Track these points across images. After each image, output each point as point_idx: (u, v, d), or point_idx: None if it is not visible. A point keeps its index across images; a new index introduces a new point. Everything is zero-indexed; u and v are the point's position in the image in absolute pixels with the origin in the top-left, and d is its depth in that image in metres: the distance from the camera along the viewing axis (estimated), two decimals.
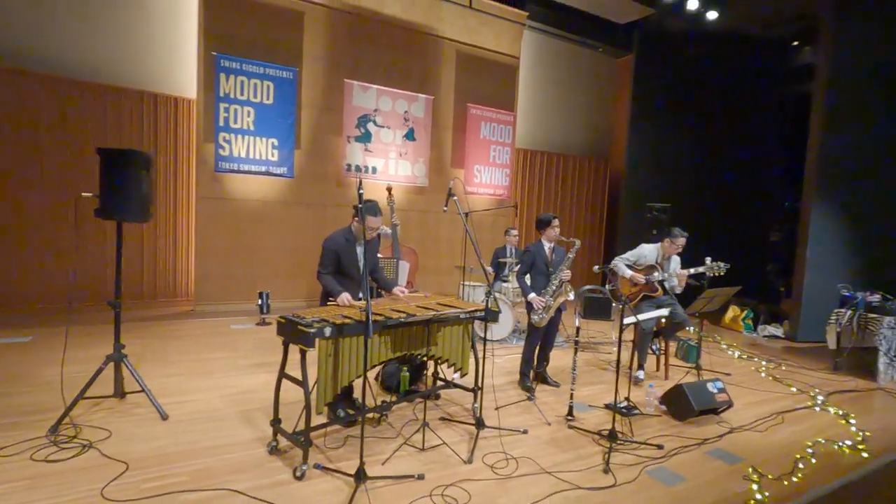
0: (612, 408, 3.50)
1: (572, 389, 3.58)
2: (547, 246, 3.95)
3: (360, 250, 3.32)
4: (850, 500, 2.78)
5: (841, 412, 4.03)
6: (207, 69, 6.20)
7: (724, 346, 6.15)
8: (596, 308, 7.02)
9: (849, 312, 5.20)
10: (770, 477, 2.89)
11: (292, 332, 2.64)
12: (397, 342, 2.96)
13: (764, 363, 5.44)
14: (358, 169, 7.18)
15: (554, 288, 3.81)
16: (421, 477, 2.64)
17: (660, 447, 3.17)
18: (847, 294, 5.29)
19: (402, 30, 7.46)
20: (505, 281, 5.84)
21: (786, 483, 2.85)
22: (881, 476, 3.06)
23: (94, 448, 2.76)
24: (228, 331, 5.55)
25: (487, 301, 3.16)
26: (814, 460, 3.14)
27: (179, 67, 6.58)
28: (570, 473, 2.80)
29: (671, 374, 4.70)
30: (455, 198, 3.24)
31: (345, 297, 3.08)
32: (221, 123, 6.28)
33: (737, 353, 5.83)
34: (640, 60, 8.73)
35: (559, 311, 3.99)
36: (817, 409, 4.12)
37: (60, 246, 5.93)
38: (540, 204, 9.57)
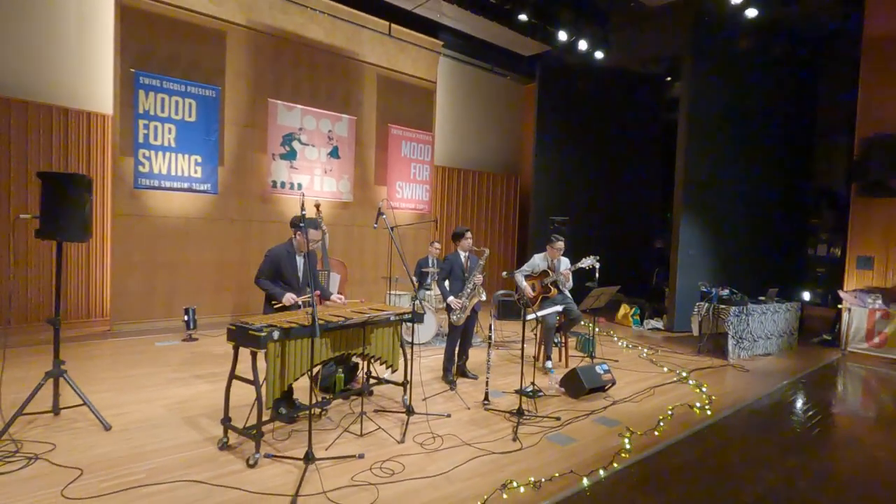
0: (520, 392, 4.16)
1: (487, 378, 4.19)
2: (462, 255, 4.58)
3: (300, 261, 3.70)
4: (696, 444, 3.63)
5: (697, 383, 5.03)
6: (125, 85, 6.17)
7: (616, 339, 7.16)
8: (508, 310, 7.82)
9: (706, 305, 6.39)
10: (638, 433, 3.68)
11: (243, 336, 2.98)
12: (337, 343, 3.38)
13: (645, 350, 6.48)
14: (283, 185, 7.41)
15: (469, 291, 4.44)
16: (361, 456, 3.08)
17: (558, 419, 3.87)
18: (705, 290, 6.49)
19: (325, 53, 7.84)
20: (428, 289, 6.39)
21: (650, 436, 3.65)
22: (719, 426, 3.99)
23: (42, 459, 2.88)
24: (153, 348, 5.55)
25: (414, 305, 3.68)
26: (671, 417, 4.01)
27: (93, 82, 6.45)
28: (485, 443, 3.38)
29: (571, 363, 5.50)
30: (384, 216, 3.73)
31: (289, 296, 3.46)
32: (141, 140, 6.25)
33: (624, 344, 6.84)
34: (543, 88, 9.80)
35: (474, 310, 4.62)
36: (681, 382, 5.10)
37: None
38: (459, 216, 10.30)
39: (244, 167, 7.18)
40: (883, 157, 6.58)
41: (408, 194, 9.02)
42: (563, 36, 8.08)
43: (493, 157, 11.00)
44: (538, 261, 5.49)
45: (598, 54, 8.44)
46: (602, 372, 4.53)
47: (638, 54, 9.34)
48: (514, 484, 2.82)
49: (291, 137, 7.48)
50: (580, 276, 5.56)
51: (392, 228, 3.88)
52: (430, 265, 6.52)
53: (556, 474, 2.98)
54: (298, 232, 3.63)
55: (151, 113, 6.31)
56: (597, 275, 5.47)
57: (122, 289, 6.28)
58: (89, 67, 6.43)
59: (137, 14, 6.20)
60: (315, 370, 3.27)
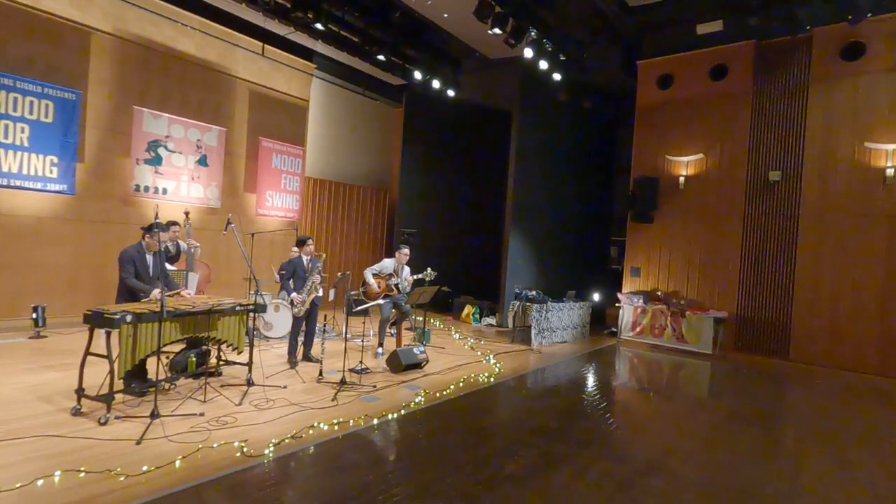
0: (352, 371, 5.23)
1: (322, 358, 5.19)
2: (305, 258, 5.57)
3: (150, 258, 4.39)
4: (470, 397, 4.98)
5: (496, 362, 6.53)
6: None
7: (453, 333, 8.58)
8: (358, 306, 8.90)
9: (519, 303, 8.06)
10: (432, 393, 4.95)
11: (99, 319, 3.65)
12: (185, 326, 4.15)
13: (471, 340, 7.95)
14: (147, 189, 7.72)
15: (308, 287, 5.43)
16: (202, 414, 3.90)
17: (374, 386, 5.00)
18: (518, 291, 8.17)
19: (196, 66, 8.30)
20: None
21: (440, 394, 4.93)
22: (493, 386, 5.43)
23: None
24: None
25: (255, 298, 4.59)
26: (462, 384, 5.37)
27: None
28: (310, 404, 4.39)
29: None
30: (233, 225, 4.57)
31: (156, 292, 4.15)
32: None
33: (458, 336, 8.27)
34: (408, 115, 11.07)
35: (314, 304, 5.62)
36: (485, 362, 6.57)
37: None
38: (330, 225, 11.16)
39: (105, 170, 7.38)
40: (645, 193, 8.86)
41: (278, 203, 9.70)
42: (418, 75, 9.44)
43: (365, 172, 12.05)
44: (388, 264, 6.62)
45: (451, 92, 9.96)
46: (418, 352, 5.78)
47: (485, 94, 11.08)
48: (320, 425, 3.87)
49: (157, 144, 7.83)
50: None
51: (252, 236, 4.72)
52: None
53: (355, 418, 4.09)
54: (149, 234, 4.33)
55: (3, 111, 6.35)
56: (428, 281, 6.78)
57: None
58: None
59: None
60: (171, 351, 3.99)
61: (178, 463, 3.11)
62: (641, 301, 8.74)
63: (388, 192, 12.48)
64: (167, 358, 4.62)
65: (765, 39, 7.97)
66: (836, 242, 7.43)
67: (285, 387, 4.79)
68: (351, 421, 4.03)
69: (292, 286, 5.49)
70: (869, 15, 6.57)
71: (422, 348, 5.87)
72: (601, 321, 9.91)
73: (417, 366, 5.79)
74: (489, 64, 10.04)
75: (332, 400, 4.51)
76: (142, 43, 7.63)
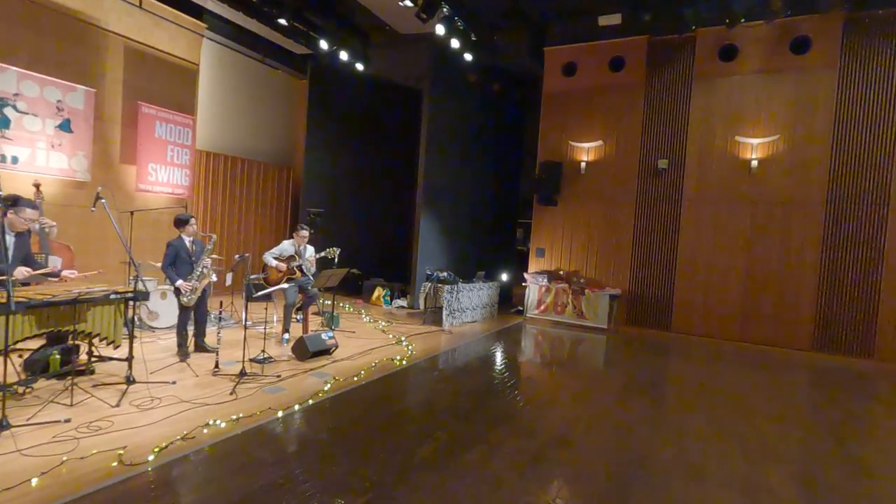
0: (253, 361, 4.83)
1: (217, 348, 4.74)
2: (187, 240, 5.00)
3: (10, 240, 3.64)
4: (381, 382, 4.86)
5: (408, 344, 6.46)
6: None
7: (364, 316, 8.35)
8: (259, 291, 8.34)
9: (430, 285, 8.03)
10: (341, 379, 4.74)
11: None
12: (43, 320, 3.52)
13: (382, 323, 7.80)
14: None
15: (198, 273, 4.90)
16: (67, 420, 3.35)
17: (278, 376, 4.67)
18: (429, 273, 8.14)
19: (52, 12, 7.02)
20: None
21: (349, 381, 4.74)
22: (404, 370, 5.36)
23: None
24: None
25: (136, 284, 4.01)
26: (373, 368, 5.22)
27: None
28: (204, 400, 3.97)
29: None
30: (103, 201, 3.94)
31: (22, 269, 3.43)
32: None
33: (369, 319, 8.07)
34: (314, 87, 10.45)
35: (205, 291, 5.09)
36: (396, 344, 6.46)
37: None
38: (227, 204, 10.24)
39: None
40: (550, 177, 9.22)
41: (163, 177, 8.66)
42: (324, 45, 8.87)
43: (267, 147, 11.19)
44: (287, 246, 6.19)
45: (359, 66, 9.51)
46: (327, 338, 5.51)
47: (395, 71, 10.73)
48: (217, 422, 3.51)
49: (4, 103, 6.54)
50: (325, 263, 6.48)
51: (132, 214, 4.07)
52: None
53: (258, 412, 3.78)
54: (10, 211, 3.59)
55: None
56: (336, 261, 6.47)
57: None
58: None
59: None
60: (26, 349, 3.35)
61: (34, 481, 2.62)
62: (546, 280, 9.16)
63: (293, 169, 11.74)
64: (21, 357, 3.92)
65: (657, 36, 8.57)
66: (710, 225, 8.32)
67: (174, 382, 4.30)
68: (253, 415, 3.71)
69: (175, 273, 4.89)
70: (743, 20, 7.31)
71: (330, 333, 5.61)
72: (508, 301, 10.25)
73: (326, 352, 5.53)
74: (400, 39, 9.72)
75: (231, 394, 4.13)
76: None
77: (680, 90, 8.53)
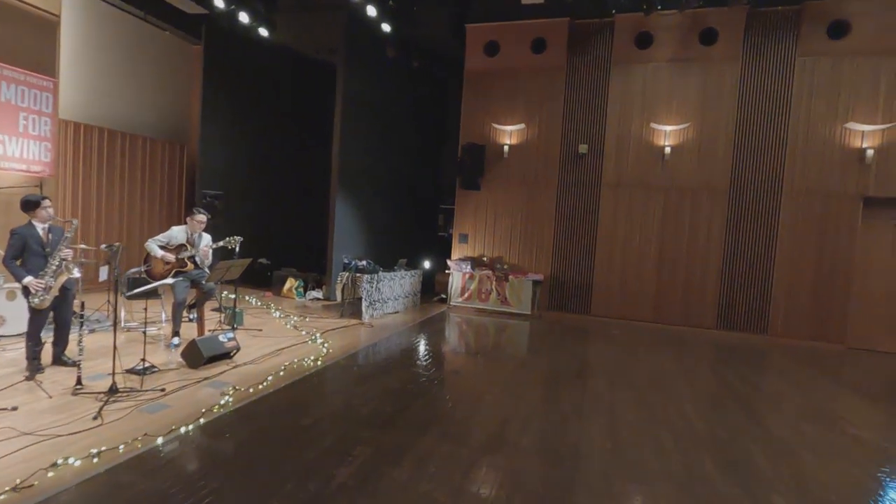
0: (129, 372, 3.98)
1: (80, 360, 3.84)
2: (40, 227, 3.98)
3: None
4: (291, 389, 4.25)
5: (324, 341, 5.84)
6: None
7: (273, 310, 7.53)
8: (140, 287, 7.19)
9: (347, 274, 7.40)
10: (242, 389, 4.06)
11: None
12: None
13: (294, 318, 7.06)
14: None
15: (54, 268, 3.92)
16: None
17: (162, 390, 3.88)
18: (346, 261, 7.51)
19: None
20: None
21: (255, 390, 4.08)
22: (319, 372, 4.77)
23: None
24: None
25: None
26: (282, 373, 4.57)
27: None
28: (57, 429, 3.13)
29: None
30: None
31: None
32: None
33: (278, 314, 7.28)
34: (209, 53, 9.20)
35: (67, 290, 4.11)
36: (310, 342, 5.82)
37: None
38: (103, 185, 8.77)
39: None
40: (473, 161, 8.91)
41: (15, 151, 7.11)
42: (220, 3, 7.75)
43: (154, 120, 9.74)
44: (177, 233, 5.27)
45: (263, 31, 8.48)
46: (225, 340, 4.75)
47: (305, 40, 9.76)
48: (68, 461, 2.73)
49: None
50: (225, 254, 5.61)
51: None
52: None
53: (130, 440, 3.03)
54: None
55: None
56: (237, 252, 5.64)
57: None
58: None
59: None
60: None
61: None
62: (469, 267, 8.90)
63: (187, 146, 10.38)
64: None
65: (578, 19, 8.50)
66: (626, 211, 8.50)
67: (15, 408, 3.37)
68: (121, 446, 2.96)
69: (22, 269, 3.86)
70: (659, 7, 7.40)
71: (230, 334, 4.85)
72: (431, 289, 9.89)
73: (225, 356, 4.77)
74: (311, 3, 8.80)
75: (95, 418, 3.31)
76: None
77: (599, 75, 8.56)
